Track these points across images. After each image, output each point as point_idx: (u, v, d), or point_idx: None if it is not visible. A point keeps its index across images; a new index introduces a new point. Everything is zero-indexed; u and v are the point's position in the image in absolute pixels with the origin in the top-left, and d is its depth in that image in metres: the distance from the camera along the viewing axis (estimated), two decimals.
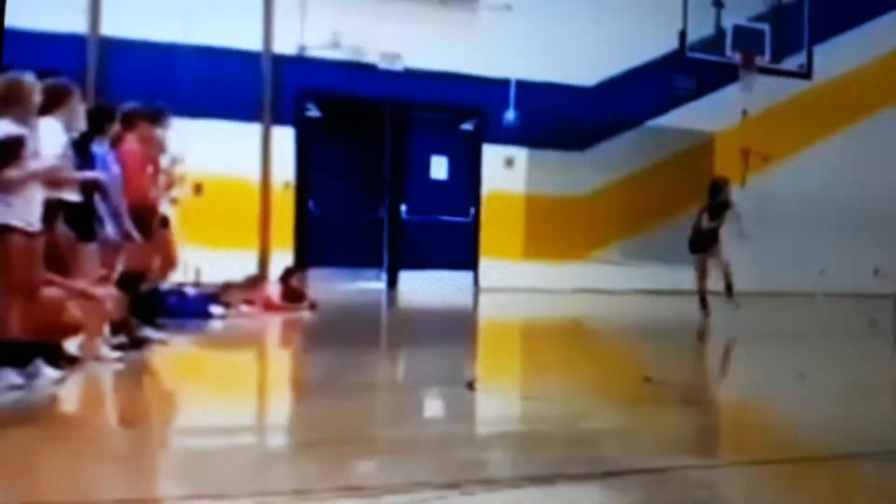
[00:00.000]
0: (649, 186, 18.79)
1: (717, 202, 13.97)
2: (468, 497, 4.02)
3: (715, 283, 13.88)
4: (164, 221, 10.11)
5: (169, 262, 10.41)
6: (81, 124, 7.53)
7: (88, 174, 7.37)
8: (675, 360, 9.52)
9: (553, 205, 18.37)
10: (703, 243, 13.94)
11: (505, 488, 4.22)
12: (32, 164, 6.21)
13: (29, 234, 6.23)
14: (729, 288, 13.81)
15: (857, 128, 20.37)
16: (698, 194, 14.70)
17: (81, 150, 7.62)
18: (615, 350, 11.14)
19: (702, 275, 13.88)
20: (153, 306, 9.60)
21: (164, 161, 9.79)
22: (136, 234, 8.41)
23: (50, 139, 6.78)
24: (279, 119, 16.78)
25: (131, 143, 8.84)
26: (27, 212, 6.24)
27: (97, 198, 7.78)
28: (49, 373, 6.38)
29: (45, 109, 6.89)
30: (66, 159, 7.02)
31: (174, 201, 10.40)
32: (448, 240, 18.31)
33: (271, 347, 11.25)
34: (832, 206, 19.68)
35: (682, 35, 19.12)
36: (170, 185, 10.16)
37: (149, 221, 8.87)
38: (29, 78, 6.43)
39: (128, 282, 8.45)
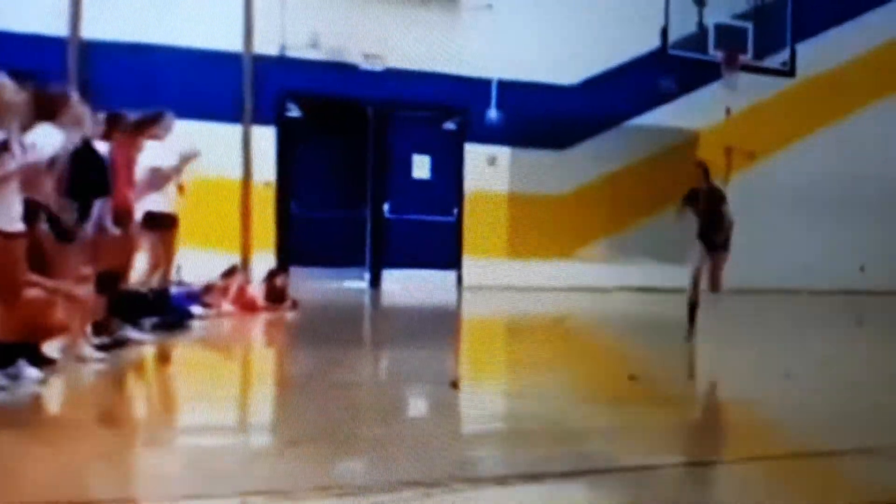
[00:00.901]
0: (633, 185, 18.81)
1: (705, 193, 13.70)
2: (453, 495, 4.00)
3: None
4: (173, 221, 10.20)
5: (168, 263, 10.47)
6: (87, 127, 7.54)
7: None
8: (661, 358, 9.52)
9: (536, 203, 18.37)
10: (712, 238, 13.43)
11: (490, 486, 4.20)
12: (10, 164, 6.15)
13: (9, 236, 6.18)
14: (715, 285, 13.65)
15: (840, 124, 20.42)
16: (682, 192, 14.69)
17: (90, 152, 7.63)
18: (600, 348, 11.14)
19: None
20: (134, 306, 9.56)
21: (173, 159, 9.90)
22: (115, 230, 8.42)
23: (43, 144, 6.72)
24: (260, 119, 16.71)
25: (115, 146, 8.84)
26: (8, 213, 6.19)
27: (98, 202, 7.78)
28: (32, 373, 6.36)
29: (46, 117, 6.87)
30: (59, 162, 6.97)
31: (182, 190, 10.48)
32: (431, 239, 18.28)
33: (254, 347, 11.21)
34: (817, 202, 19.73)
35: (665, 33, 19.15)
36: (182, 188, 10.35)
37: (126, 223, 8.88)
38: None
39: (106, 282, 8.42)
